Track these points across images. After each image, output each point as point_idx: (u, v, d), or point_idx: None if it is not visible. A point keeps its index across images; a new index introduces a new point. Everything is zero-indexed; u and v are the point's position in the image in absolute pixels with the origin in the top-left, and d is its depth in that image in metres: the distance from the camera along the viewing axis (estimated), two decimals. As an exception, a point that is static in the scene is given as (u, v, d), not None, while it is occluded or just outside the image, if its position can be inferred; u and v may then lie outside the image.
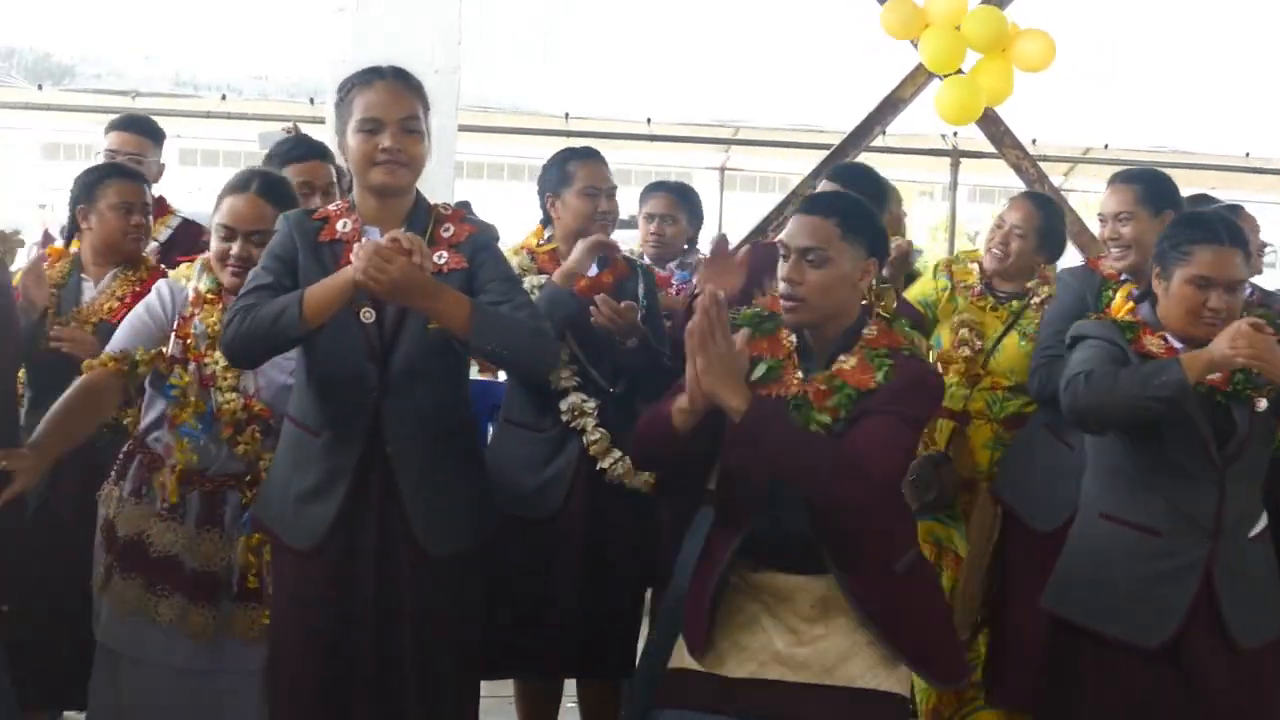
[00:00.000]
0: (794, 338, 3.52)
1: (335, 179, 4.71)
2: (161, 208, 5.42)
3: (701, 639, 3.45)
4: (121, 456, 4.16)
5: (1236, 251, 3.79)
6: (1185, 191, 5.07)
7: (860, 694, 3.39)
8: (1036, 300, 5.12)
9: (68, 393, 3.97)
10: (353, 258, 3.40)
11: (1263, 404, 3.76)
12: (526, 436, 4.58)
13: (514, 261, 4.58)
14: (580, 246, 4.51)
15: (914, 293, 5.29)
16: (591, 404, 4.52)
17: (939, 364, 5.11)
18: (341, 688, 3.70)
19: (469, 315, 3.50)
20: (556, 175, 4.69)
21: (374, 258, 3.33)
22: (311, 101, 14.30)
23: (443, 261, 3.65)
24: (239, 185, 4.06)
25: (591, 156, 4.72)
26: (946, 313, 5.23)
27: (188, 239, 5.28)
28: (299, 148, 4.83)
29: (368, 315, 3.63)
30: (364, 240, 3.48)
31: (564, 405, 4.51)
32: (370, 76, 3.68)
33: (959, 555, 5.15)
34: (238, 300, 3.62)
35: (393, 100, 3.64)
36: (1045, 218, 5.16)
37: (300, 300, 3.47)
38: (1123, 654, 3.81)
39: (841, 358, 3.45)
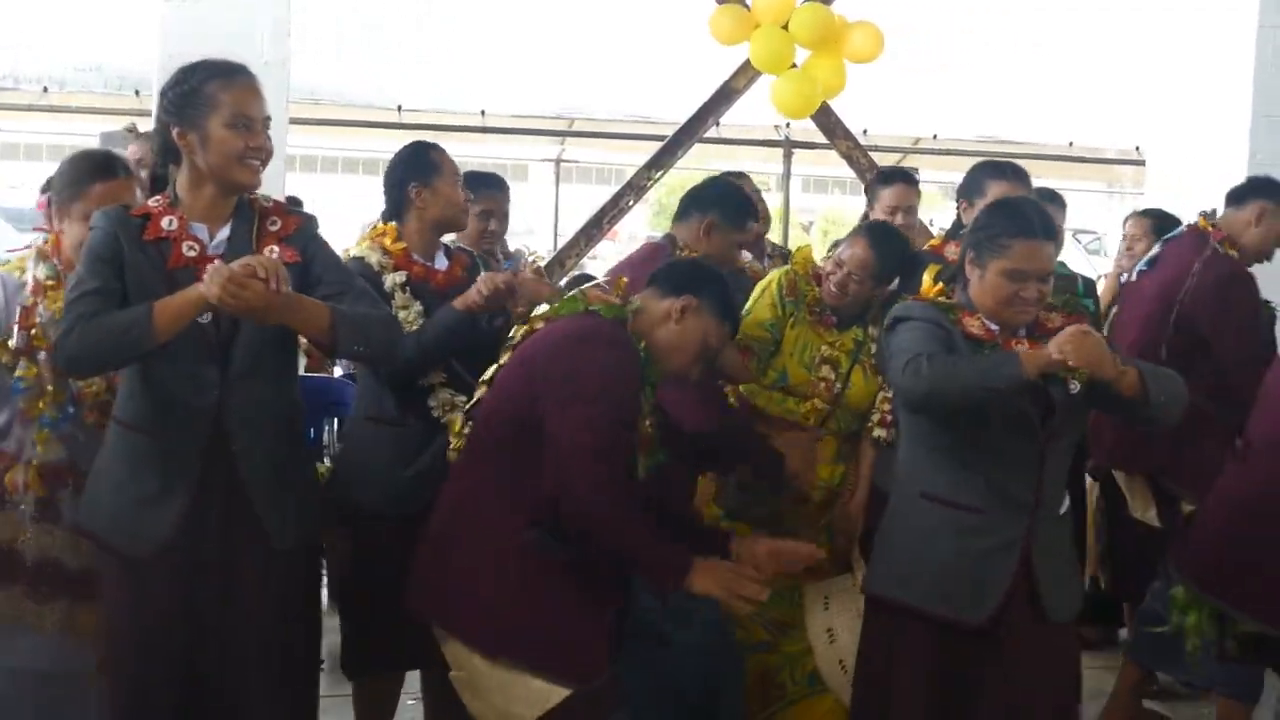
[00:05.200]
0: None
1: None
2: None
3: None
4: None
5: (1049, 244, 3.91)
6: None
7: None
8: (875, 331, 5.04)
9: None
10: (205, 279, 3.35)
11: (1075, 386, 3.85)
12: (388, 433, 4.49)
13: (372, 258, 4.51)
14: (487, 281, 4.37)
15: (757, 316, 5.08)
16: (462, 399, 4.40)
17: (785, 394, 5.07)
18: (185, 690, 3.66)
19: (329, 321, 3.53)
20: (422, 164, 4.61)
21: (229, 284, 3.31)
22: (137, 94, 14.05)
23: (275, 256, 3.61)
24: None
25: (446, 152, 4.71)
26: (790, 340, 5.09)
27: None
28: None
29: (203, 315, 3.58)
30: (214, 264, 3.39)
31: (433, 401, 4.44)
32: (234, 72, 3.66)
33: None
34: (70, 307, 3.52)
35: (259, 98, 3.67)
36: (882, 260, 5.05)
37: (150, 315, 3.42)
38: (943, 632, 3.88)
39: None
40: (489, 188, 5.73)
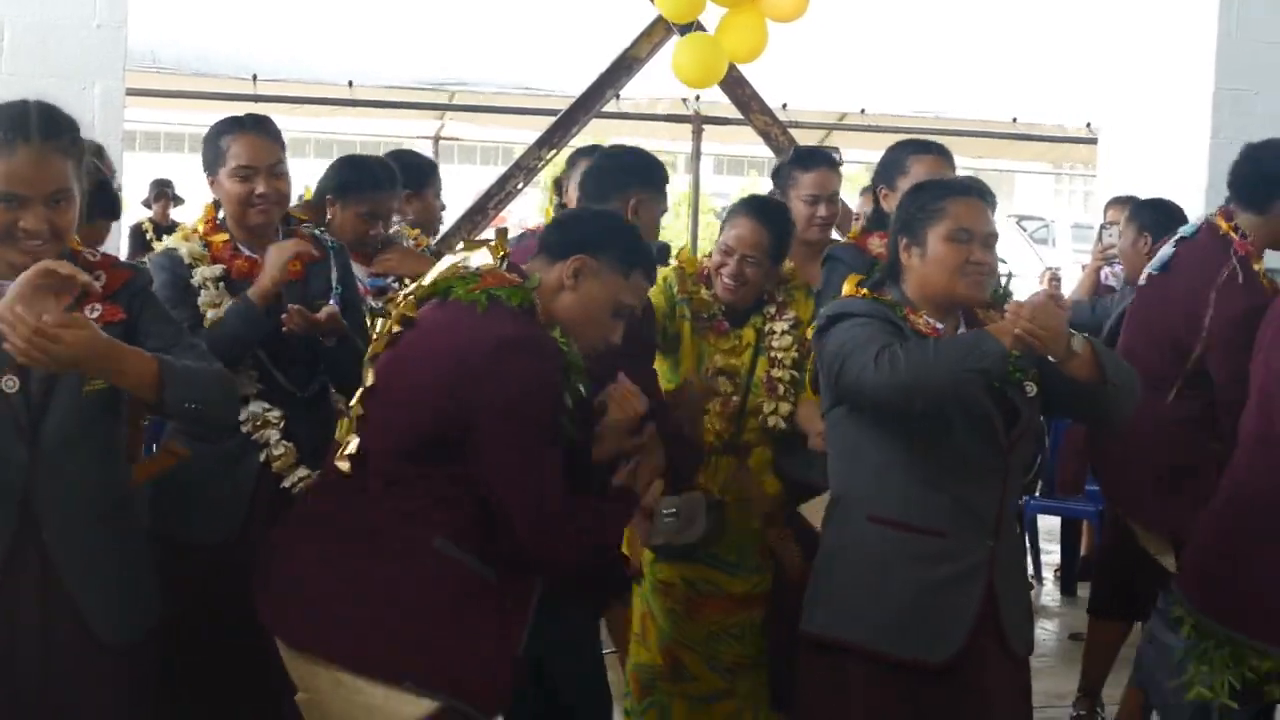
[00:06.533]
0: None
1: None
2: None
3: None
4: None
5: (985, 203, 3.91)
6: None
7: None
8: (772, 310, 5.17)
9: None
10: (6, 330, 3.15)
11: (1032, 389, 3.88)
12: (199, 450, 4.29)
13: (184, 249, 4.47)
14: (274, 258, 4.37)
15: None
16: (276, 413, 4.41)
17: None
18: None
19: (157, 373, 3.40)
20: (211, 152, 4.52)
21: (36, 338, 3.13)
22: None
23: (95, 315, 3.49)
24: None
25: (251, 127, 4.55)
26: (689, 347, 5.13)
27: None
28: None
29: (10, 384, 3.42)
30: (16, 311, 3.16)
31: (243, 415, 4.36)
32: (14, 134, 3.40)
33: (728, 595, 5.13)
34: None
35: (41, 167, 3.39)
36: (774, 233, 5.08)
37: None
38: (899, 674, 3.83)
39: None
40: (376, 187, 5.34)
